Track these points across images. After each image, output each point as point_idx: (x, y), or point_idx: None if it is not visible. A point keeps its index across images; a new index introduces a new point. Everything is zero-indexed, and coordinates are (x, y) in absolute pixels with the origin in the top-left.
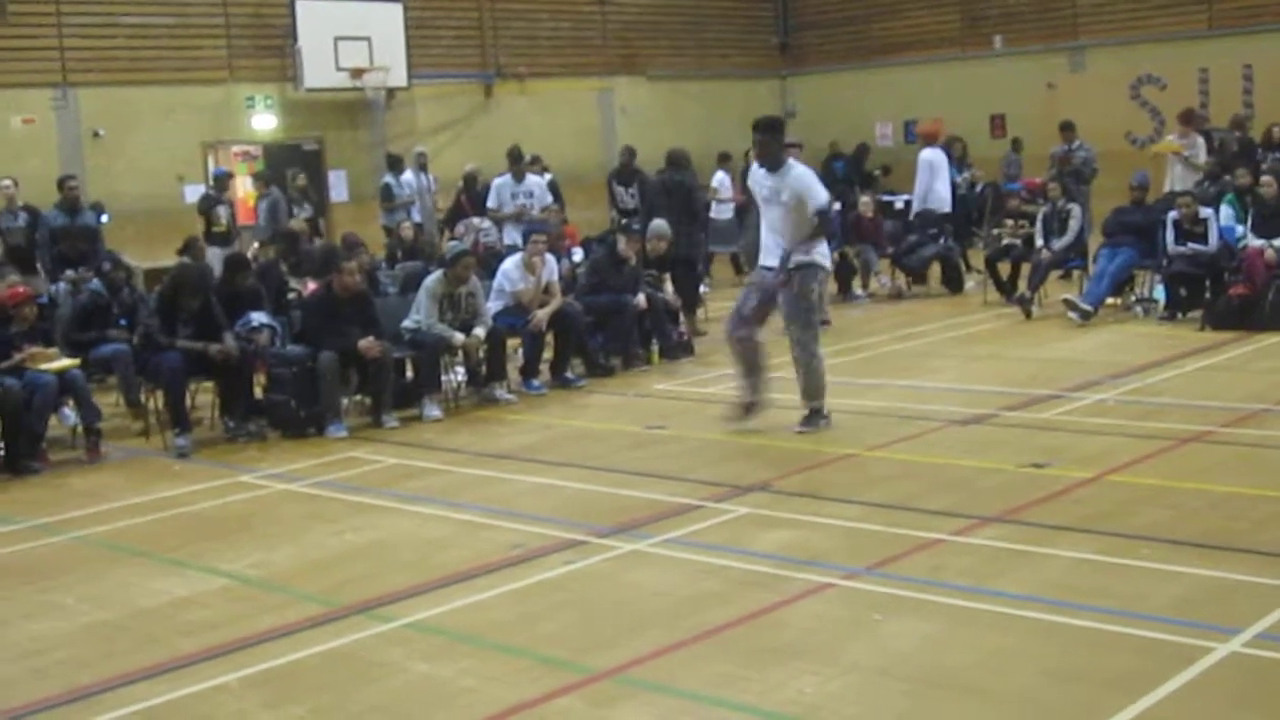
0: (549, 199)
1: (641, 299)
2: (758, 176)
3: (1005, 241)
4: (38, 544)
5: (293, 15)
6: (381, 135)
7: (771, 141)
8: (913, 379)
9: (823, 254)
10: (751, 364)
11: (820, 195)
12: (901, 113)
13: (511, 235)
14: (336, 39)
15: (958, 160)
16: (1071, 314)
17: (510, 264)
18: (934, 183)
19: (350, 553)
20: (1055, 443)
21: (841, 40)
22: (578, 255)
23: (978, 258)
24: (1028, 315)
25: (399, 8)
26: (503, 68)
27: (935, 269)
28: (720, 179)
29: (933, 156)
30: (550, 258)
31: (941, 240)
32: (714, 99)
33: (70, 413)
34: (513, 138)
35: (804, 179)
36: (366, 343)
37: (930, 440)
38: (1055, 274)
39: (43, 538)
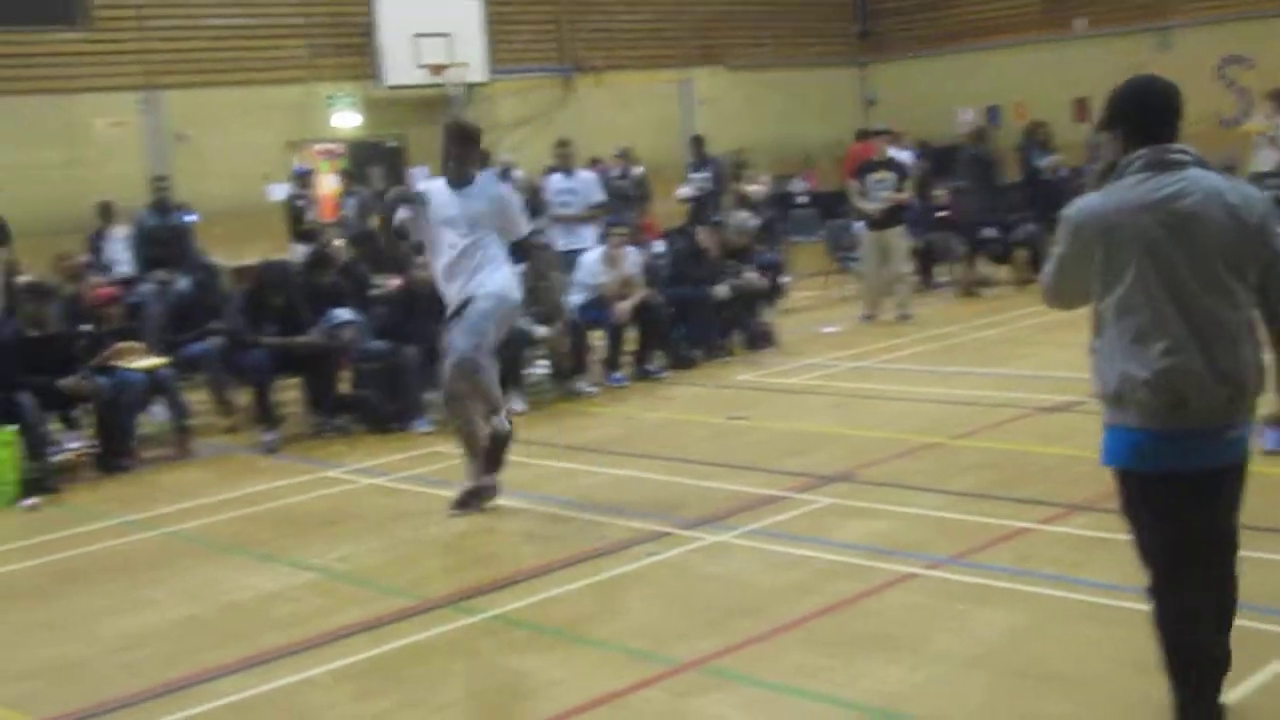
0: (597, 196)
1: (723, 289)
2: (442, 193)
3: None
4: (129, 540)
5: (372, 13)
6: None
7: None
8: (997, 366)
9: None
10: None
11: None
12: (984, 98)
13: (567, 239)
14: (416, 36)
15: (1040, 145)
16: None
17: (592, 257)
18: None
19: (435, 546)
20: None
21: (921, 26)
22: (658, 247)
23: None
24: None
25: (478, 3)
26: (581, 61)
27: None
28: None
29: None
30: (631, 250)
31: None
32: (793, 88)
33: (160, 410)
34: (592, 131)
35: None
36: None
37: (1016, 428)
38: None
39: (134, 533)
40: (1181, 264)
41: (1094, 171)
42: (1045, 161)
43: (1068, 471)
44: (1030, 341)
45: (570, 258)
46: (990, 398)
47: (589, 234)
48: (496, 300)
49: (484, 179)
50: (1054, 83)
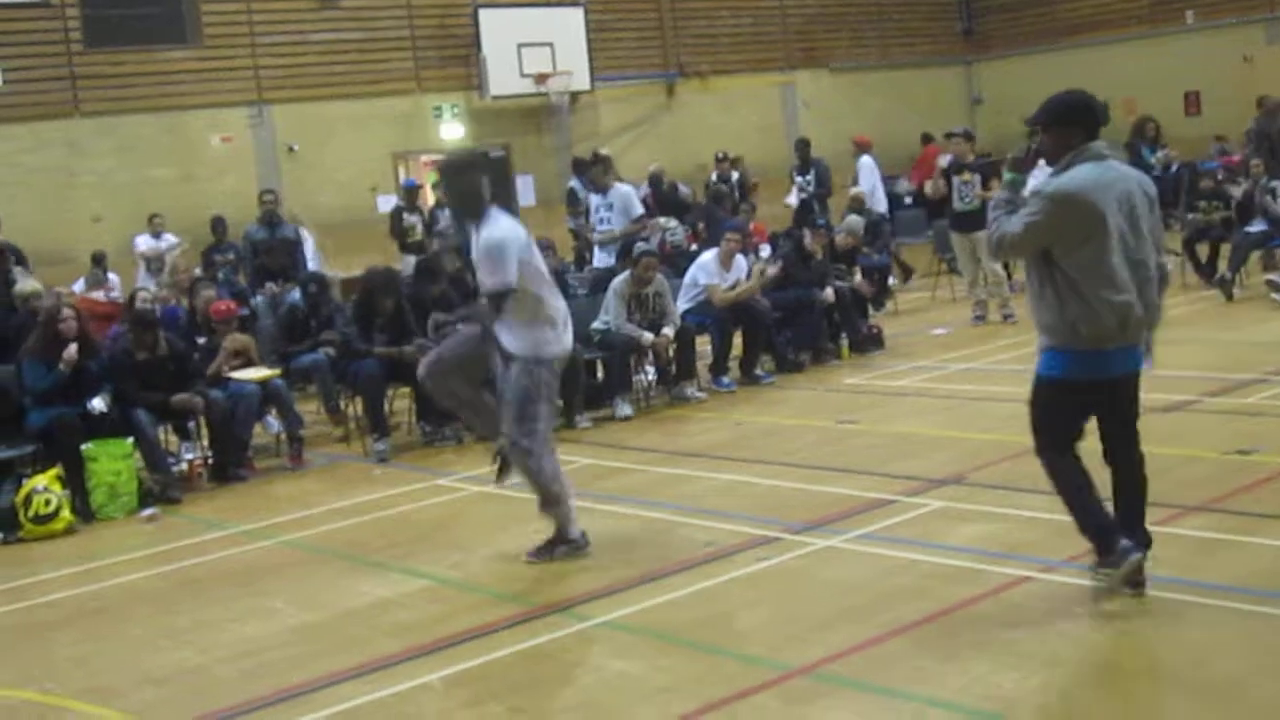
0: (636, 210)
1: (829, 292)
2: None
3: (1202, 222)
4: (246, 548)
5: (476, 24)
6: (566, 139)
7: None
8: None
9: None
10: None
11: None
12: (1093, 94)
13: (600, 258)
14: (520, 46)
15: (1150, 141)
16: (1275, 295)
17: (707, 257)
18: (875, 185)
19: None
20: (1259, 428)
21: (1027, 23)
22: (765, 251)
23: (1175, 240)
24: (1229, 298)
25: (580, 11)
26: (684, 66)
27: None
28: (866, 163)
29: (869, 163)
30: (740, 257)
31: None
32: (898, 89)
33: (274, 421)
34: (696, 136)
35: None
36: None
37: None
38: (1256, 254)
39: (250, 542)
40: (1126, 231)
41: (1011, 158)
42: (1155, 156)
43: (1183, 472)
44: None
45: (569, 284)
46: None
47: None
48: (528, 369)
49: (490, 218)
50: (1163, 76)
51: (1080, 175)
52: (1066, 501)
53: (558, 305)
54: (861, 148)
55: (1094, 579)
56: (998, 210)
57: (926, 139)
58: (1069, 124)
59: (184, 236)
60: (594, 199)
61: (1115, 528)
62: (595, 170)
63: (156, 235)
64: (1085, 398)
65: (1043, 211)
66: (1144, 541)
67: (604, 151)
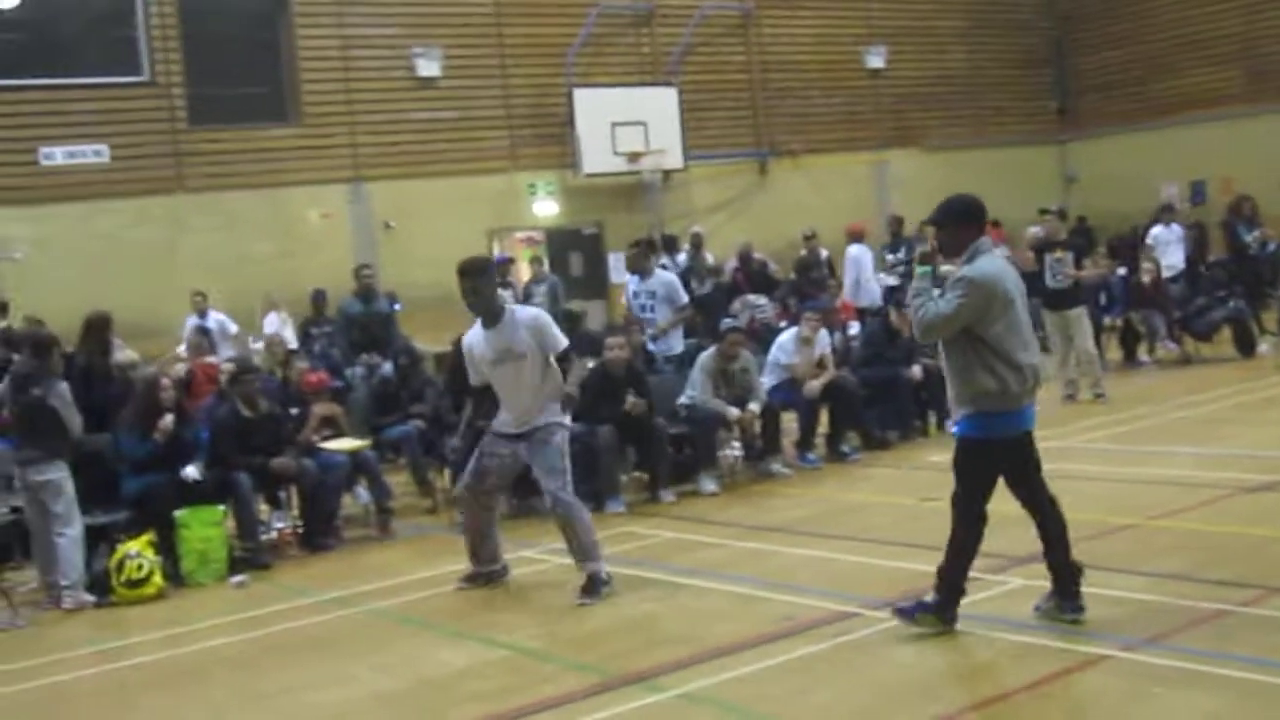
0: (681, 298)
1: (917, 370)
2: (476, 336)
3: None
4: (331, 616)
5: (570, 104)
6: (659, 216)
7: (485, 285)
8: (1200, 445)
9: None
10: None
11: (560, 337)
12: (1188, 173)
13: (656, 346)
14: (614, 124)
15: (1246, 220)
16: None
17: (786, 337)
18: (861, 276)
19: (625, 624)
20: None
21: (1122, 102)
22: (854, 329)
23: (1271, 319)
24: None
25: (674, 91)
26: (776, 145)
27: (1225, 332)
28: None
29: (859, 253)
30: (824, 332)
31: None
32: (991, 167)
33: (363, 491)
34: (788, 214)
35: (539, 319)
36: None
37: (1218, 509)
38: None
39: (336, 610)
40: (1022, 307)
41: (921, 252)
42: (1251, 235)
43: (1270, 553)
44: (1232, 420)
45: (655, 359)
46: (1191, 478)
47: (677, 338)
48: (563, 431)
49: (510, 312)
50: (1260, 155)
51: (989, 263)
52: (957, 556)
53: None
54: (853, 236)
55: (916, 620)
56: (919, 298)
57: (994, 224)
58: (967, 223)
59: (283, 310)
60: (631, 283)
61: (961, 597)
62: (634, 254)
63: (202, 315)
64: (1011, 452)
65: (969, 294)
66: (1077, 570)
67: (698, 230)
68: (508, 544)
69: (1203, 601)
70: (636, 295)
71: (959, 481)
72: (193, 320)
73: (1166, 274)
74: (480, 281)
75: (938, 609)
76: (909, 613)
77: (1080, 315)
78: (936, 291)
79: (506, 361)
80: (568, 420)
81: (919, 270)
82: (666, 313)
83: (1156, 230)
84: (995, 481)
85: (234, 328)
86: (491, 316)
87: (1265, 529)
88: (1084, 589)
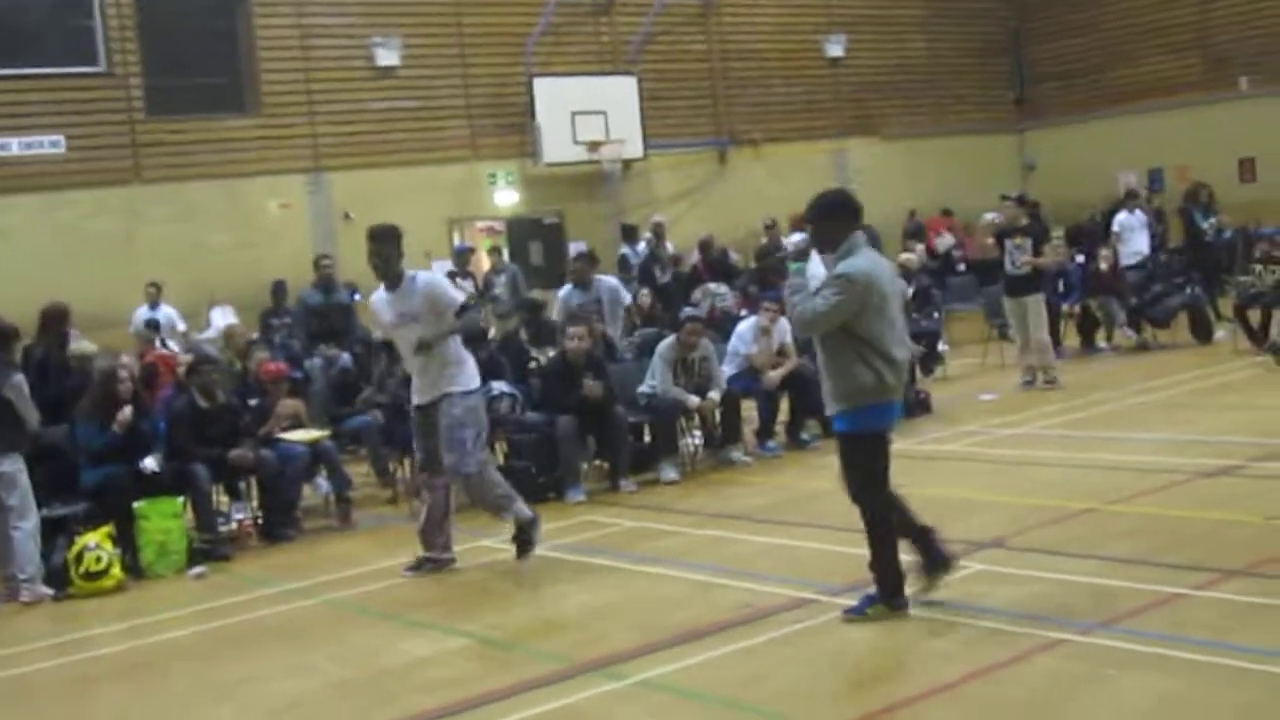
0: (625, 298)
1: None
2: (380, 299)
3: (1255, 288)
4: (291, 607)
5: (530, 93)
6: (619, 206)
7: (389, 249)
8: (1157, 431)
9: (470, 375)
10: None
11: (455, 294)
12: (1145, 161)
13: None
14: (573, 114)
15: (1203, 207)
16: None
17: (744, 326)
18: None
19: (585, 613)
20: None
21: (1079, 90)
22: None
23: (1227, 306)
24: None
25: (633, 81)
26: (737, 134)
27: (1182, 319)
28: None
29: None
30: (783, 320)
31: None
32: (950, 156)
33: (323, 482)
34: (748, 203)
35: (434, 282)
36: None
37: (1174, 493)
38: None
39: (295, 601)
40: (895, 303)
41: (796, 247)
42: (1208, 222)
43: (1225, 536)
44: (1189, 406)
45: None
46: (1148, 463)
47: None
48: (463, 402)
49: (410, 278)
50: (1217, 143)
51: (864, 259)
52: (882, 546)
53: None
54: (797, 226)
55: (868, 615)
56: (796, 294)
57: (945, 212)
58: (840, 219)
59: (238, 301)
60: (573, 297)
61: (903, 581)
62: (578, 267)
63: (153, 306)
64: (885, 445)
65: (845, 290)
66: (948, 554)
67: (659, 219)
68: (464, 533)
69: (1158, 585)
70: (582, 307)
71: (853, 476)
72: (143, 311)
73: (1132, 260)
74: (383, 245)
75: (885, 598)
76: (859, 610)
77: (1037, 302)
78: (813, 286)
79: (405, 324)
80: (473, 385)
81: (793, 267)
82: (619, 313)
83: (1121, 216)
84: (888, 463)
85: (182, 324)
86: (393, 280)
87: (1220, 513)
88: (1030, 573)
